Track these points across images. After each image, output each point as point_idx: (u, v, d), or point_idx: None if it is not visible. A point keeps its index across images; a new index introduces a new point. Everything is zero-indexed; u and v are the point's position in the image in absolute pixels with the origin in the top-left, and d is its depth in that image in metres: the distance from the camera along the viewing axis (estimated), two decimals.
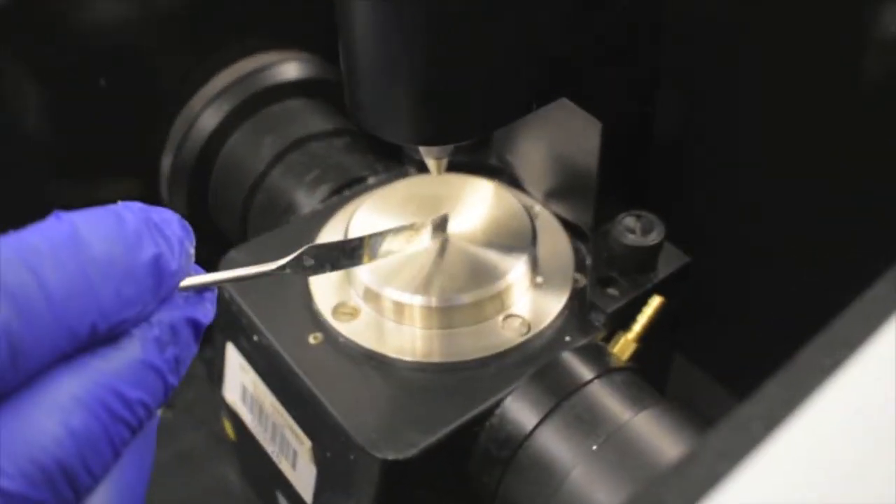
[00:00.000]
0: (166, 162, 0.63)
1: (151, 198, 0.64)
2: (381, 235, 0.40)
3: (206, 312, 0.26)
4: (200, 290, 0.27)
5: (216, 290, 0.29)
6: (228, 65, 0.62)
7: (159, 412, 0.26)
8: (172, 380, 0.24)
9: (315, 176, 0.58)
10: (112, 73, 0.57)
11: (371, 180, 0.57)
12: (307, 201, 0.57)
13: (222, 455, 0.61)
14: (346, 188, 0.57)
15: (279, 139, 0.60)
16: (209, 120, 0.61)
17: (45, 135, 0.57)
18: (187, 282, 0.27)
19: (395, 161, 0.59)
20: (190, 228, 0.28)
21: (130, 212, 0.24)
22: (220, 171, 0.62)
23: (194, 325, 0.25)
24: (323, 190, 0.57)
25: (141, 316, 0.23)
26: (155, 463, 0.27)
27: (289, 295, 0.46)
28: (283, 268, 0.33)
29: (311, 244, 0.35)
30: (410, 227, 0.43)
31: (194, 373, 0.64)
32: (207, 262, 0.49)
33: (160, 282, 0.24)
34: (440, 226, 0.45)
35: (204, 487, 0.63)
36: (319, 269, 0.35)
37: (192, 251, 0.28)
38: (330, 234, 0.52)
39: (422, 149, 0.42)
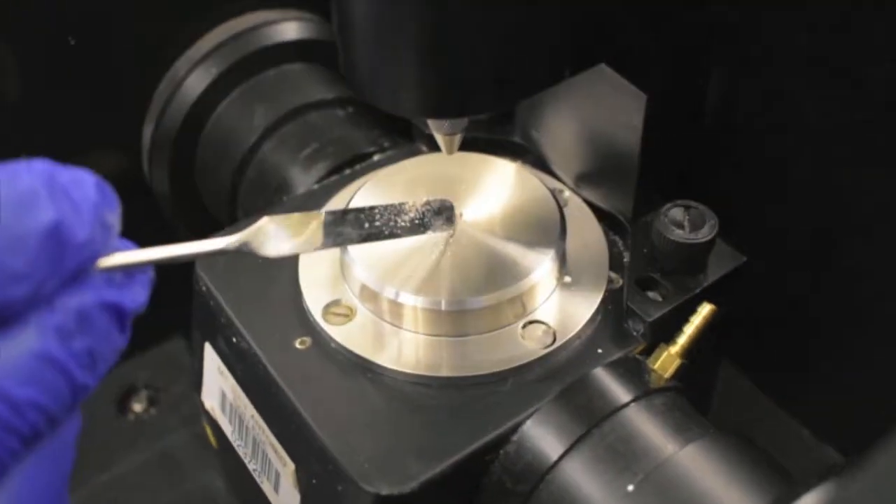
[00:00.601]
0: (147, 132, 0.59)
1: (132, 172, 0.60)
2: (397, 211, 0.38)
3: (135, 297, 0.23)
4: (131, 270, 0.23)
5: (150, 272, 0.25)
6: (217, 24, 0.58)
7: (78, 418, 0.23)
8: (84, 378, 0.21)
9: (312, 151, 0.54)
10: (83, 31, 0.54)
11: (376, 158, 0.54)
12: (302, 180, 0.54)
13: (208, 459, 0.59)
14: (347, 166, 0.53)
15: (273, 108, 0.57)
16: (195, 86, 0.58)
17: (10, 100, 0.54)
18: (109, 260, 0.23)
19: (404, 137, 0.56)
20: (112, 194, 0.23)
21: (29, 169, 0.21)
22: (207, 143, 0.59)
23: (116, 311, 0.22)
24: (320, 167, 0.54)
25: (36, 296, 0.21)
26: (135, 465, 0.24)
27: (275, 290, 0.44)
28: (236, 245, 0.29)
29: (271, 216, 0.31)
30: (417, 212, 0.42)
31: (181, 364, 0.65)
32: None
33: (60, 255, 0.21)
34: (450, 214, 0.43)
35: (187, 494, 0.60)
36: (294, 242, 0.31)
37: (116, 221, 0.23)
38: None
39: (430, 122, 0.41)
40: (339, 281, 0.44)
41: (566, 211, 0.45)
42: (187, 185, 0.60)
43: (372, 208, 0.40)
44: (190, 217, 0.61)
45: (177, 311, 0.50)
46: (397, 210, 0.40)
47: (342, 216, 0.37)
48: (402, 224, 0.40)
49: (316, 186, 0.52)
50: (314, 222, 0.35)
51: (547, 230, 0.43)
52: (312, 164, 0.54)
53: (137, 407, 0.63)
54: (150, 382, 0.65)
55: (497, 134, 0.51)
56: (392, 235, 0.40)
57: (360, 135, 0.56)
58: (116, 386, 0.64)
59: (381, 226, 0.40)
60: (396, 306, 0.41)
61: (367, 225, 0.39)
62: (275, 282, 0.45)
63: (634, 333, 0.42)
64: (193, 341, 0.49)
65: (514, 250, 0.43)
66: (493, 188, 0.46)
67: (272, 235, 0.32)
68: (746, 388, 0.57)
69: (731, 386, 0.56)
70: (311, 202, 0.50)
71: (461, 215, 0.45)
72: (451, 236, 0.44)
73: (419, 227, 0.41)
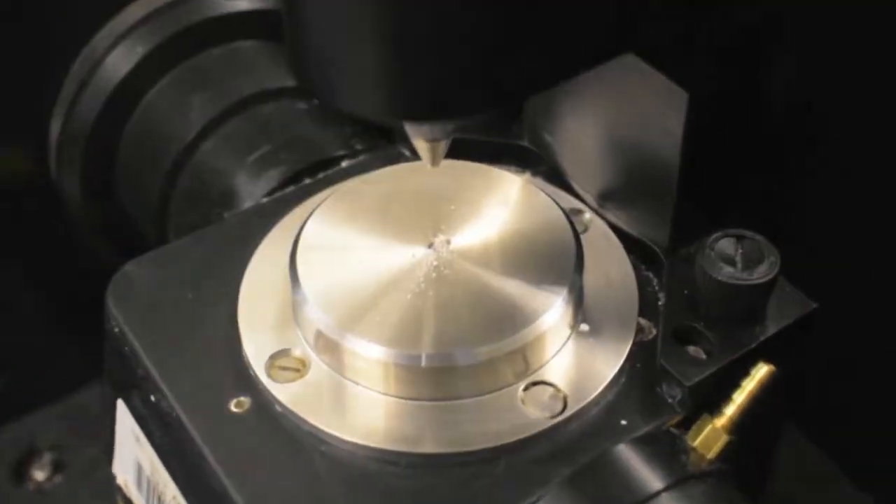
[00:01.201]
0: (56, 126, 0.59)
1: (35, 177, 0.60)
2: None
3: None
4: None
5: None
6: None
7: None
8: None
9: (263, 154, 0.54)
10: None
11: (345, 164, 0.54)
12: (250, 190, 0.54)
13: None
14: (308, 174, 0.53)
15: (215, 98, 0.57)
16: (116, 67, 0.58)
17: None
18: None
19: (383, 137, 0.56)
20: None
21: None
22: (131, 141, 0.59)
23: None
24: (273, 175, 0.53)
25: None
26: None
27: (207, 334, 0.46)
28: None
29: None
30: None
31: (96, 420, 0.64)
32: (113, 271, 0.48)
33: None
34: (434, 240, 0.44)
35: None
36: None
37: None
38: (274, 243, 0.48)
39: (407, 127, 0.40)
40: (290, 325, 0.44)
41: (585, 238, 0.46)
42: (105, 194, 0.60)
43: None
44: (108, 235, 0.61)
45: (91, 353, 0.50)
46: None
47: None
48: None
49: (266, 200, 0.52)
50: None
51: (559, 263, 0.44)
52: (263, 170, 0.54)
53: (39, 474, 0.64)
54: (55, 443, 0.65)
55: (499, 137, 0.51)
56: None
57: (326, 134, 0.56)
58: (12, 448, 0.64)
59: None
60: (362, 360, 0.42)
61: None
62: (207, 323, 0.46)
63: (669, 400, 0.42)
64: (104, 397, 0.49)
65: (516, 289, 0.43)
66: (491, 207, 0.47)
67: None
68: (815, 464, 0.57)
69: (796, 462, 0.56)
70: (258, 220, 0.50)
71: (448, 242, 0.45)
72: (435, 270, 0.44)
73: None
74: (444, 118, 0.38)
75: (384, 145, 0.55)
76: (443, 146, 0.42)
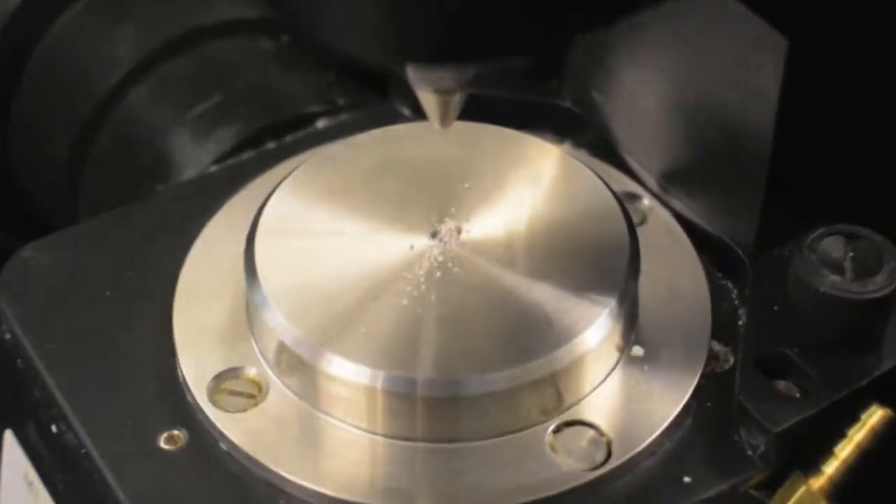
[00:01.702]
0: None
1: None
2: None
3: None
4: None
5: None
6: None
7: None
8: None
9: (213, 106, 0.55)
10: None
11: (322, 124, 0.54)
12: (193, 155, 0.54)
13: None
14: (271, 136, 0.54)
15: (149, 31, 0.57)
16: None
17: None
18: None
19: (374, 90, 0.56)
20: None
21: None
22: (32, 85, 0.59)
23: None
24: (225, 135, 0.54)
25: None
26: None
27: (131, 344, 0.46)
28: None
29: None
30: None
31: None
32: (3, 257, 0.48)
33: None
34: (440, 228, 0.45)
35: None
36: None
37: None
38: (224, 226, 0.49)
39: (410, 73, 0.40)
40: (242, 335, 0.45)
41: (643, 232, 0.47)
42: None
43: None
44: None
45: None
46: None
47: None
48: None
49: (214, 168, 0.53)
50: None
51: (606, 263, 0.44)
52: (212, 128, 0.54)
53: None
54: None
55: (531, 94, 0.52)
56: None
57: (298, 82, 0.56)
58: None
59: None
60: (339, 385, 0.42)
61: None
62: (131, 329, 0.46)
63: (749, 452, 0.42)
64: None
65: (547, 296, 0.43)
66: (517, 186, 0.47)
67: None
68: None
69: None
70: (202, 194, 0.50)
71: (459, 231, 0.45)
72: (440, 267, 0.44)
73: None
74: (460, 60, 0.38)
75: (375, 100, 0.55)
76: (457, 101, 0.41)
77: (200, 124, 0.54)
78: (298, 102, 0.55)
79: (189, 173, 0.52)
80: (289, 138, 0.53)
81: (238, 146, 0.53)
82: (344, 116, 0.54)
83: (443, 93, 0.41)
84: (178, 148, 0.54)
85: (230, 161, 0.52)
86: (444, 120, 0.42)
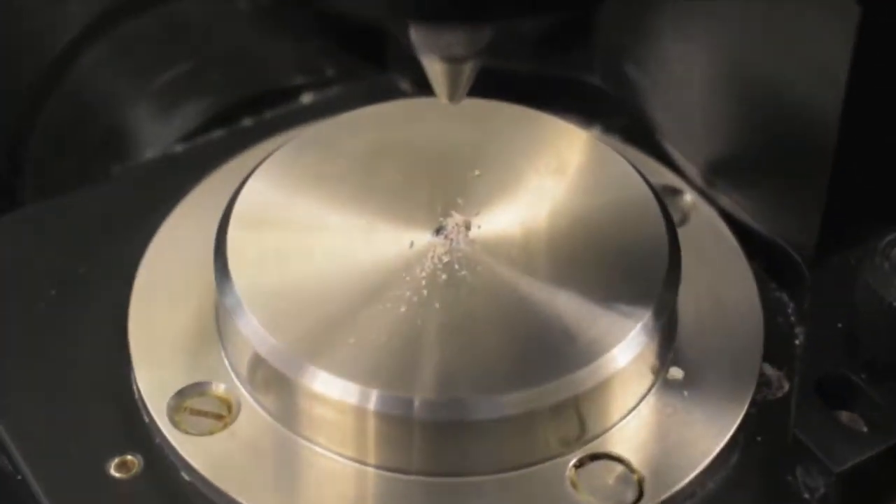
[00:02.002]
0: None
1: None
2: None
3: None
4: None
5: None
6: None
7: None
8: None
9: (180, 75, 0.56)
10: None
11: (307, 100, 0.55)
12: (155, 131, 0.55)
13: None
14: (248, 111, 0.54)
15: None
16: None
17: None
18: None
19: (368, 60, 0.57)
20: None
21: None
22: None
23: None
24: (193, 110, 0.54)
25: None
26: None
27: (78, 356, 0.46)
28: None
29: None
30: None
31: None
32: None
33: None
34: (446, 223, 0.45)
35: None
36: None
37: None
38: (190, 216, 0.49)
39: (414, 35, 0.40)
40: (210, 346, 0.45)
41: (684, 233, 0.47)
42: None
43: None
44: None
45: None
46: None
47: None
48: None
49: (180, 147, 0.53)
50: None
51: (641, 269, 0.45)
52: (177, 101, 0.55)
53: None
54: None
55: (554, 67, 0.52)
56: None
57: (279, 50, 0.57)
58: None
59: None
60: (324, 406, 0.42)
61: None
62: (81, 334, 0.47)
63: (807, 496, 0.42)
64: None
65: (571, 307, 0.44)
66: (537, 175, 0.47)
67: None
68: None
69: None
70: (166, 177, 0.50)
71: (468, 227, 0.45)
72: (444, 269, 0.44)
73: None
74: (474, 20, 0.38)
75: (369, 71, 0.56)
76: (468, 72, 0.41)
77: (165, 95, 0.54)
78: (279, 72, 0.55)
79: (151, 152, 0.53)
80: (268, 114, 0.53)
81: (208, 122, 0.53)
82: (333, 90, 0.55)
83: (452, 61, 0.41)
84: (138, 122, 0.54)
85: (199, 139, 0.52)
86: (454, 94, 0.42)
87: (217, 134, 0.52)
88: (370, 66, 0.56)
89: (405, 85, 0.54)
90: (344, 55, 0.56)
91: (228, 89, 0.54)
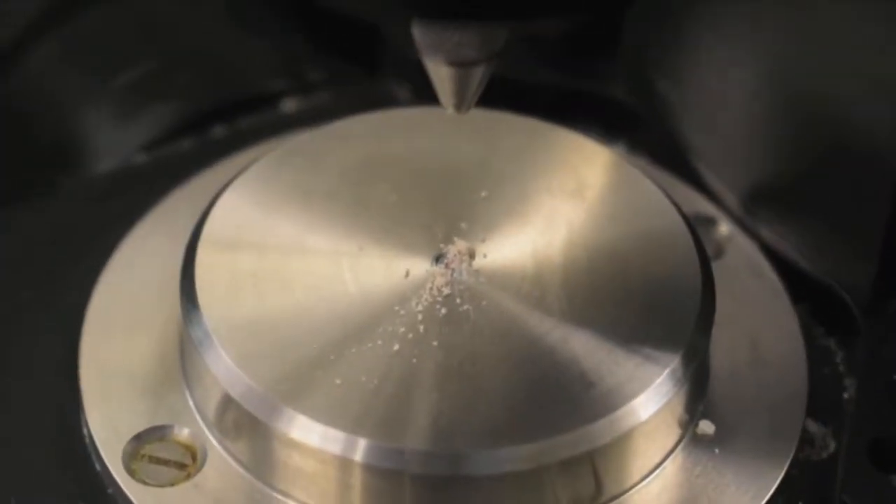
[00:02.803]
0: None
1: None
2: None
3: None
4: None
5: None
6: None
7: None
8: None
9: (142, 77, 0.56)
10: None
11: (287, 106, 0.55)
12: (114, 139, 0.55)
13: None
14: (220, 119, 0.55)
15: None
16: None
17: None
18: None
19: (358, 63, 0.57)
20: None
21: None
22: None
23: None
24: (157, 116, 0.55)
25: None
26: None
27: (24, 395, 0.47)
28: None
29: None
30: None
31: None
32: None
33: None
34: (447, 250, 0.45)
35: None
36: None
37: None
38: (151, 237, 0.50)
39: (418, 35, 0.40)
40: (172, 384, 0.46)
41: (719, 268, 0.47)
42: None
43: None
44: None
45: None
46: None
47: None
48: None
49: (141, 158, 0.53)
50: None
51: (669, 310, 0.45)
52: (139, 105, 0.55)
53: None
54: None
55: (576, 80, 0.52)
56: None
57: (257, 50, 0.57)
58: None
59: None
60: (302, 455, 0.42)
61: None
62: (25, 369, 0.47)
63: None
64: None
65: (588, 350, 0.44)
66: (553, 198, 0.47)
67: None
68: None
69: None
70: (125, 193, 0.51)
71: (472, 256, 0.45)
72: (444, 302, 0.44)
73: None
74: (488, 18, 0.38)
75: (359, 76, 0.56)
76: (478, 78, 0.42)
77: (125, 99, 0.54)
78: (257, 76, 0.55)
79: (107, 163, 0.53)
80: (243, 122, 0.54)
81: (174, 130, 0.53)
82: (317, 96, 0.55)
83: (461, 65, 0.41)
84: (92, 129, 0.54)
85: (163, 149, 0.53)
86: (461, 102, 0.42)
87: (185, 143, 0.53)
88: (359, 71, 0.56)
89: (401, 92, 0.54)
90: (330, 57, 0.57)
91: (198, 93, 0.55)
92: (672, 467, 0.44)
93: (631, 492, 0.44)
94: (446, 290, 0.45)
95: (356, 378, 0.43)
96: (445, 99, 0.42)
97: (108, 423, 0.45)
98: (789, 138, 0.48)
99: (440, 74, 0.42)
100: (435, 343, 0.43)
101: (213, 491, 0.43)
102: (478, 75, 0.42)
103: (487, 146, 0.48)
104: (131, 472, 0.43)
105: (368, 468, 0.42)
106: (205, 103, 0.54)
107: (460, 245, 0.45)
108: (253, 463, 0.43)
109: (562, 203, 0.47)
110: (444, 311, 0.44)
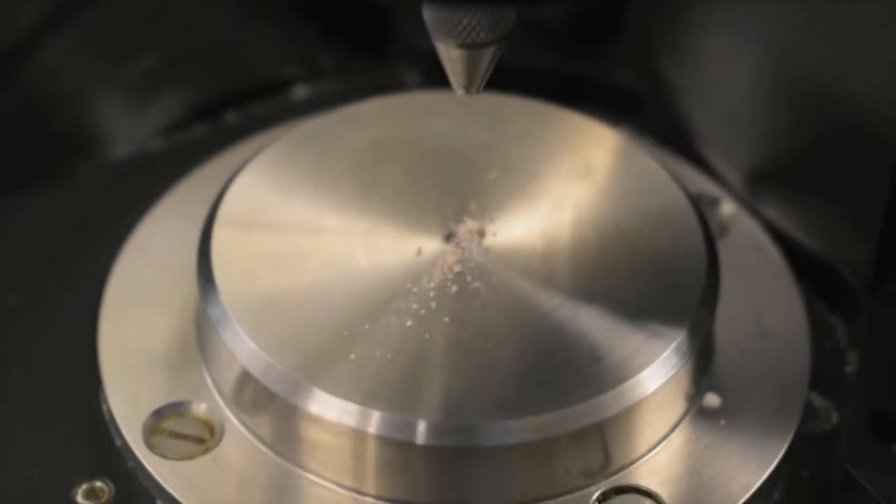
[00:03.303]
0: None
1: None
2: None
3: None
4: None
5: None
6: None
7: None
8: None
9: (154, 66, 0.56)
10: None
11: (298, 92, 0.55)
12: (129, 125, 0.55)
13: None
14: (233, 105, 0.55)
15: None
16: None
17: None
18: None
19: (368, 50, 0.57)
20: None
21: None
22: None
23: None
24: (171, 102, 0.55)
25: None
26: None
27: (43, 371, 0.46)
28: None
29: None
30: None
31: None
32: None
33: None
34: (457, 229, 0.45)
35: None
36: None
37: None
38: (167, 219, 0.49)
39: (429, 17, 0.41)
40: (190, 361, 0.46)
41: (724, 246, 0.47)
42: None
43: None
44: None
45: None
46: None
47: None
48: None
49: (156, 144, 0.53)
50: None
51: (675, 287, 0.45)
52: (153, 92, 0.55)
53: None
54: None
55: (582, 64, 0.52)
56: None
57: (269, 38, 0.57)
58: None
59: None
60: (318, 429, 0.42)
61: None
62: (45, 347, 0.47)
63: None
64: None
65: (596, 325, 0.44)
66: (560, 180, 0.47)
67: None
68: None
69: None
70: (140, 177, 0.51)
71: (481, 235, 0.46)
72: (455, 280, 0.45)
73: None
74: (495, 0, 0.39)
75: (369, 63, 0.56)
76: (487, 61, 0.42)
77: (139, 87, 0.54)
78: (269, 63, 0.55)
79: (123, 149, 0.53)
80: (255, 109, 0.53)
81: (188, 116, 0.53)
82: (327, 83, 0.55)
83: (471, 47, 0.41)
84: (108, 115, 0.54)
85: (178, 135, 0.53)
86: (471, 84, 0.42)
87: (199, 129, 0.53)
88: (369, 58, 0.56)
89: (410, 79, 0.54)
90: (340, 44, 0.56)
91: (211, 80, 0.54)
92: (678, 439, 0.45)
93: (638, 462, 0.44)
94: (457, 268, 0.45)
95: (370, 353, 0.43)
96: (456, 81, 0.42)
97: (127, 399, 0.45)
98: (792, 120, 0.47)
99: (451, 56, 0.42)
100: (446, 319, 0.44)
101: (230, 464, 0.43)
102: (488, 57, 0.42)
103: (496, 129, 0.48)
104: (151, 447, 0.43)
105: (381, 440, 0.42)
106: (218, 90, 0.54)
107: (470, 224, 0.45)
108: (269, 436, 0.44)
109: (569, 183, 0.47)
110: (455, 288, 0.44)
